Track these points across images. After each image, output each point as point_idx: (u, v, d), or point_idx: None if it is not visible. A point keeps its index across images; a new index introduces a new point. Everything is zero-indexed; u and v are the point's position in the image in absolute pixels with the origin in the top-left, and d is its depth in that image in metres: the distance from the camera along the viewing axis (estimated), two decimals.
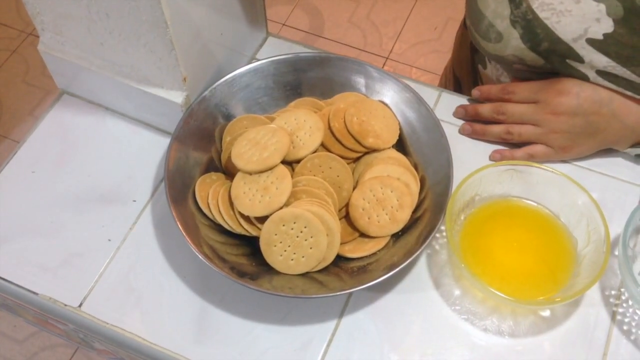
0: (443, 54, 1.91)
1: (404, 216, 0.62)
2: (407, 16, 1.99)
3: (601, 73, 0.64)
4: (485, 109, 0.71)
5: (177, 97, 0.67)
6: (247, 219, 0.61)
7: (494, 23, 0.66)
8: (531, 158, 0.69)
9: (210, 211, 0.62)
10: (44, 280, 0.64)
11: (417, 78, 0.81)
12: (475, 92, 0.73)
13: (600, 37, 0.62)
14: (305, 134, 0.64)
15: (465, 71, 0.88)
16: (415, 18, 1.99)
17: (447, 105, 0.74)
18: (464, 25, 0.89)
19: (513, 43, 0.66)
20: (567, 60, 0.65)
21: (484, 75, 0.81)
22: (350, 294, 0.63)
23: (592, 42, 0.62)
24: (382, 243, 0.63)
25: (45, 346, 1.47)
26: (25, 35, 1.97)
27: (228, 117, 0.69)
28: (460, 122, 0.73)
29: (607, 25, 0.61)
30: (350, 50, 1.92)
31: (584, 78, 0.65)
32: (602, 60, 0.63)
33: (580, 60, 0.64)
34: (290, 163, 0.64)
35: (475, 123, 0.72)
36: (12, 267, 0.64)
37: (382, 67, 1.67)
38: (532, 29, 0.64)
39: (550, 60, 0.66)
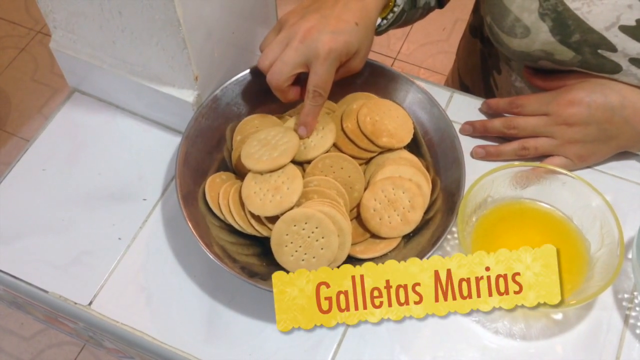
0: (451, 55, 1.89)
1: (416, 217, 0.62)
2: None
3: (634, 61, 0.63)
4: (495, 124, 0.69)
5: (189, 95, 0.67)
6: (257, 219, 0.61)
7: (521, 17, 0.65)
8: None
9: (221, 211, 0.62)
10: (54, 278, 0.63)
11: (425, 79, 0.80)
12: (483, 106, 0.72)
13: (633, 23, 0.61)
14: (317, 134, 0.64)
15: (475, 79, 0.87)
16: (424, 19, 1.98)
17: (459, 107, 0.74)
18: (469, 32, 0.88)
19: (542, 37, 0.65)
20: (599, 51, 0.64)
21: (498, 80, 0.80)
22: None
23: (625, 29, 0.62)
24: (393, 244, 0.62)
25: (52, 344, 1.47)
26: (34, 33, 1.97)
27: (239, 117, 0.68)
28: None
29: (639, 11, 0.60)
30: None
31: (617, 68, 0.64)
32: (635, 47, 0.62)
33: (613, 49, 0.63)
34: (301, 164, 0.64)
35: (488, 145, 0.70)
36: (23, 265, 0.64)
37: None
38: (563, 21, 0.63)
39: (581, 52, 0.65)
